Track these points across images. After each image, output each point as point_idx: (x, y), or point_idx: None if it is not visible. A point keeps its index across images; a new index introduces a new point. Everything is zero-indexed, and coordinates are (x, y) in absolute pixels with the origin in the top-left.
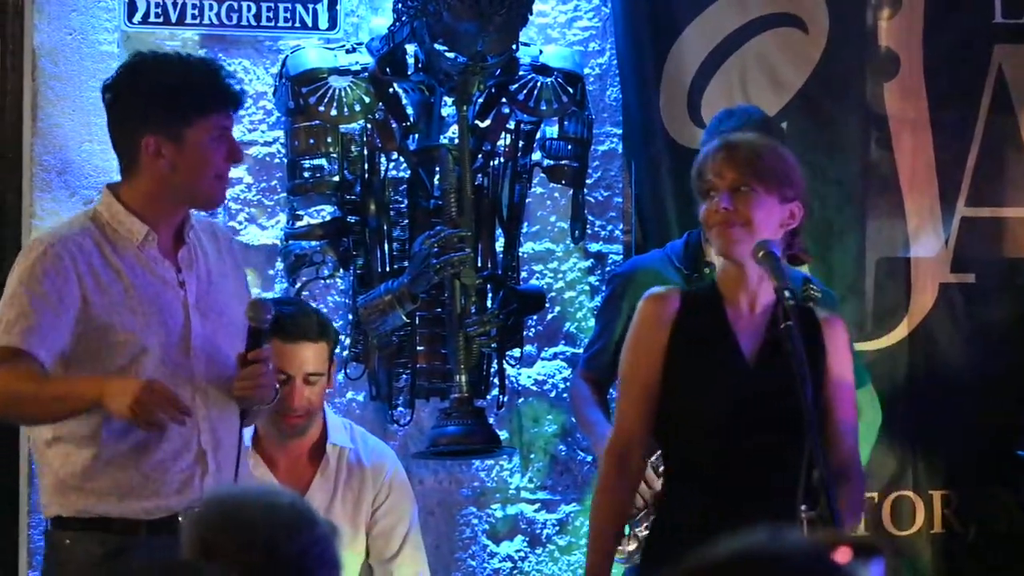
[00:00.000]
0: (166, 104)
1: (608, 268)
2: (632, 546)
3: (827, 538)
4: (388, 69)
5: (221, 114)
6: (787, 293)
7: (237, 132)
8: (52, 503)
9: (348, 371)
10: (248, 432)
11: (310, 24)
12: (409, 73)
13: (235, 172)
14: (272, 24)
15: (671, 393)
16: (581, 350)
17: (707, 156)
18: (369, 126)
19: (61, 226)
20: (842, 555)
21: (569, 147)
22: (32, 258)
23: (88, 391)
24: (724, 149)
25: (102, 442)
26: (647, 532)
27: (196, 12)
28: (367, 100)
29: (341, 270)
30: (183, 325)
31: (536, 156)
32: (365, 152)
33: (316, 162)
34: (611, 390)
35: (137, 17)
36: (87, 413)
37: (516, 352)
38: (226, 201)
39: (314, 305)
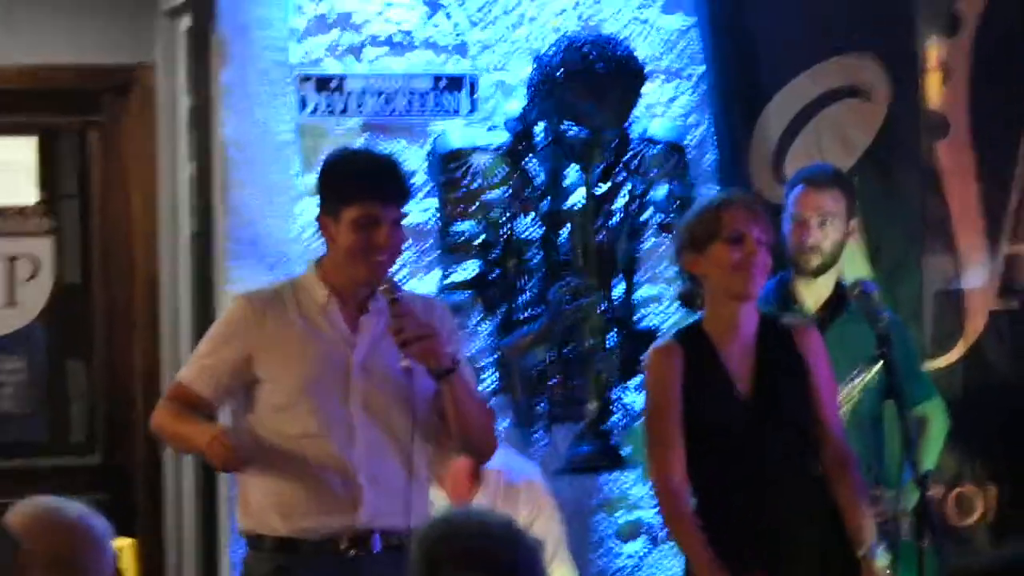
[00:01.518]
0: (326, 190)
1: None
2: None
3: None
4: (522, 145)
5: (366, 203)
6: (882, 326)
7: None
8: (239, 520)
9: (492, 401)
10: None
11: (453, 110)
12: (539, 147)
13: None
14: (422, 111)
15: (691, 430)
16: None
17: (727, 204)
18: (507, 194)
19: (264, 288)
20: None
21: (676, 204)
22: (227, 309)
23: (194, 436)
24: (745, 203)
25: (268, 468)
26: None
27: (358, 103)
28: (504, 172)
29: (486, 316)
30: (344, 372)
31: (648, 214)
32: (504, 217)
33: (463, 226)
34: None
35: (308, 110)
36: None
37: (634, 381)
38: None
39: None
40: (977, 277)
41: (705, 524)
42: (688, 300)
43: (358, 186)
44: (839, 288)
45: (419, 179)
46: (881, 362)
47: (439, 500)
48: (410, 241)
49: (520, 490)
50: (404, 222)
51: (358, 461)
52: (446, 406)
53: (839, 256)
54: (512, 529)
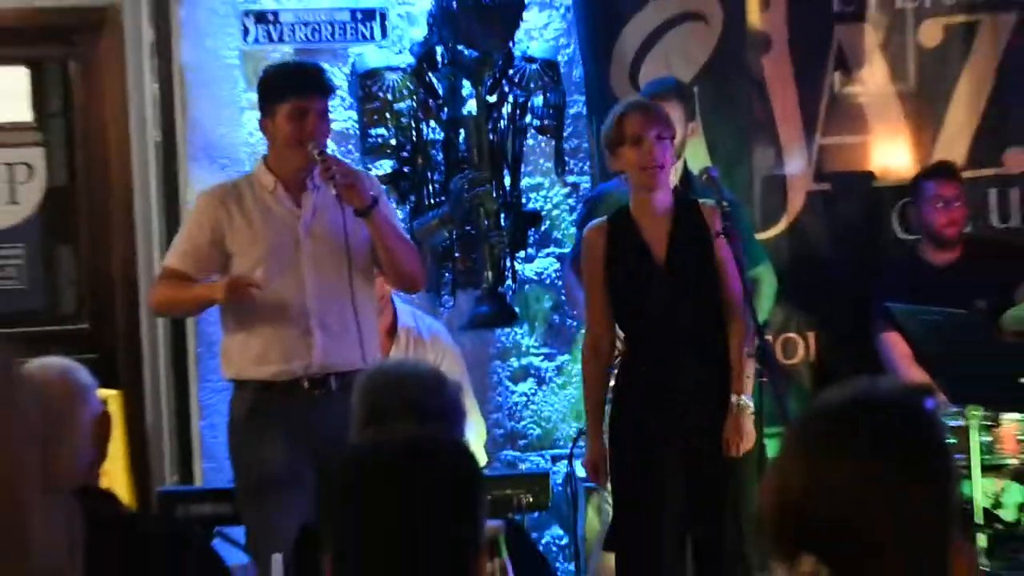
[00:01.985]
0: (264, 95)
1: (581, 193)
2: (613, 381)
3: (911, 385)
4: (425, 64)
5: (295, 97)
6: (725, 203)
7: None
8: (223, 370)
9: None
10: None
11: (368, 36)
12: (439, 66)
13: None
14: (343, 39)
15: (616, 295)
16: (566, 251)
17: (627, 112)
18: (414, 104)
19: (222, 182)
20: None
21: (551, 111)
22: (195, 204)
23: (204, 292)
24: (641, 109)
25: (241, 327)
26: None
27: (290, 32)
28: (411, 87)
29: (400, 205)
30: (293, 239)
31: (528, 119)
32: (412, 123)
33: (378, 131)
34: None
35: (250, 38)
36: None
37: (522, 254)
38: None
39: None
40: (796, 165)
41: (622, 382)
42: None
43: (287, 85)
44: (686, 174)
45: (342, 94)
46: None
47: None
48: (334, 145)
49: (427, 343)
50: (329, 115)
51: (310, 309)
52: (375, 241)
53: (682, 151)
54: (439, 377)
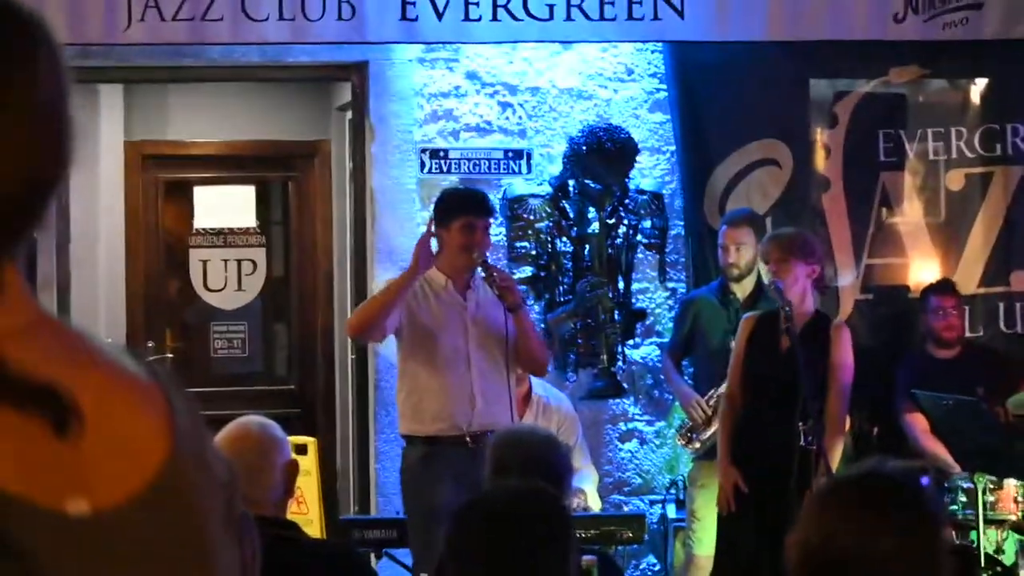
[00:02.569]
0: (441, 209)
1: (679, 296)
2: (697, 445)
3: (911, 464)
4: (560, 193)
5: (467, 215)
6: (787, 308)
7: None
8: (400, 425)
9: None
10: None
11: (517, 171)
12: (571, 195)
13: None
14: (496, 171)
15: (748, 370)
16: (665, 340)
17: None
18: (550, 224)
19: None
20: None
21: (656, 232)
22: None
23: (395, 281)
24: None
25: (416, 394)
26: (711, 438)
27: (456, 165)
28: (549, 210)
29: (536, 301)
30: (462, 325)
31: (639, 238)
32: (548, 238)
33: (522, 244)
34: (682, 363)
35: (425, 170)
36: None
37: (631, 342)
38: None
39: None
40: (847, 279)
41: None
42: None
43: (462, 205)
44: (759, 284)
45: (496, 214)
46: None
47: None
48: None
49: (553, 408)
50: (490, 231)
51: (473, 380)
52: (518, 333)
53: (753, 267)
54: (553, 439)
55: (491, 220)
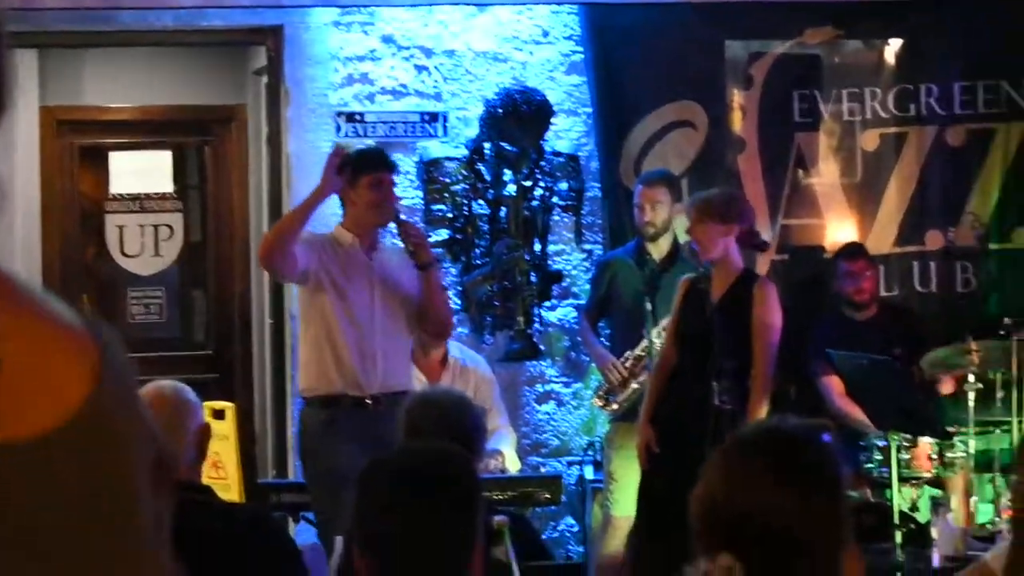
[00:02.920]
0: (350, 169)
1: (595, 258)
2: (614, 406)
3: (814, 422)
4: (476, 156)
5: (375, 171)
6: (703, 269)
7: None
8: (300, 384)
9: (458, 317)
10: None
11: (433, 134)
12: (487, 158)
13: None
14: (412, 135)
15: (679, 330)
16: (581, 302)
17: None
18: (466, 186)
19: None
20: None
21: (572, 194)
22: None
23: (307, 199)
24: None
25: (318, 352)
26: (627, 399)
27: (372, 129)
28: (465, 173)
29: (452, 264)
30: (368, 284)
31: (554, 200)
32: (465, 201)
33: (438, 207)
34: (599, 325)
35: (341, 134)
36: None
37: (547, 304)
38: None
39: None
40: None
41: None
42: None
43: (369, 162)
44: (675, 245)
45: (411, 177)
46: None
47: (420, 379)
48: (405, 216)
49: (470, 371)
50: (402, 201)
51: (376, 341)
52: (424, 292)
53: (669, 226)
54: (466, 401)
55: (395, 176)
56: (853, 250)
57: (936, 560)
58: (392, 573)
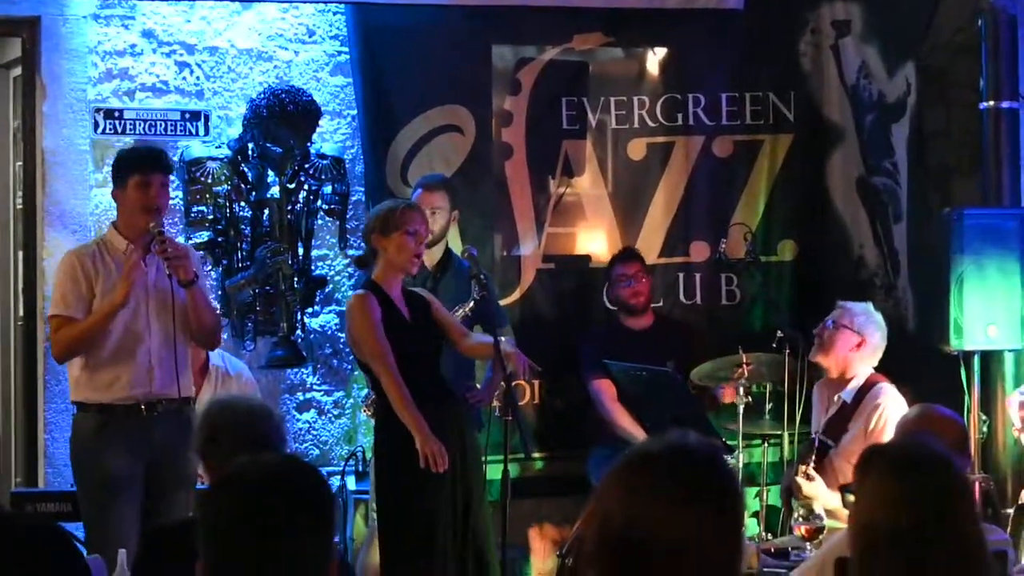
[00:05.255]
0: (116, 169)
1: None
2: None
3: (713, 440)
4: (239, 156)
5: (142, 171)
6: (482, 276)
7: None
8: (72, 392)
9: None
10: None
11: (194, 132)
12: (251, 158)
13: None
14: (173, 133)
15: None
16: (343, 308)
17: (413, 209)
18: (229, 188)
19: (83, 244)
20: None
21: (337, 198)
22: (63, 263)
23: (104, 308)
24: (419, 209)
25: (94, 359)
26: None
27: (132, 126)
28: (227, 174)
29: (214, 267)
30: (143, 292)
31: (319, 203)
32: (227, 203)
33: (199, 208)
34: None
35: (99, 130)
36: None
37: (310, 309)
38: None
39: None
40: (528, 247)
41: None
42: (362, 262)
43: (137, 162)
44: (447, 253)
45: (172, 177)
46: (474, 300)
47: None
48: (167, 218)
49: (232, 378)
50: (168, 189)
51: (152, 349)
52: (189, 308)
53: (445, 233)
54: (267, 409)
55: (168, 177)
56: (626, 254)
57: None
58: None
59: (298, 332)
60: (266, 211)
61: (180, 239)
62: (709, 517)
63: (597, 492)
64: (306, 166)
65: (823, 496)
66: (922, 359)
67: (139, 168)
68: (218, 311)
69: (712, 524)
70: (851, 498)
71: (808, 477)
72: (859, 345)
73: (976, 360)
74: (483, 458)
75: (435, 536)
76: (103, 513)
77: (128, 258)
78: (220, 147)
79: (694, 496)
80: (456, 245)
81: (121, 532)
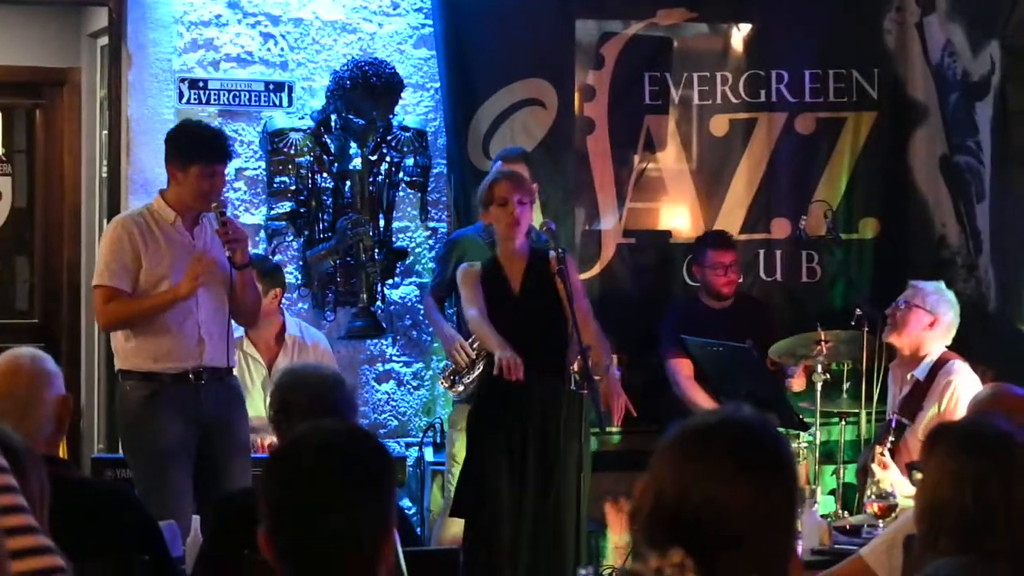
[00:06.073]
0: (178, 149)
1: (439, 236)
2: (460, 388)
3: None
4: (322, 128)
5: (207, 164)
6: (560, 250)
7: (239, 162)
8: (119, 362)
9: (300, 292)
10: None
11: (277, 103)
12: (333, 130)
13: (237, 183)
14: (258, 104)
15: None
16: (427, 281)
17: (498, 180)
18: (311, 159)
19: (130, 212)
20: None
21: (419, 170)
22: (110, 230)
23: (166, 297)
24: (510, 178)
25: (142, 329)
26: (474, 381)
27: (216, 96)
28: (310, 145)
29: (296, 238)
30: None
31: (400, 175)
32: (309, 174)
33: (282, 178)
34: (446, 305)
35: (184, 100)
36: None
37: (390, 281)
38: (232, 199)
39: (279, 257)
40: (609, 222)
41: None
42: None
43: (204, 150)
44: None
45: (254, 147)
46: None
47: (255, 356)
48: (245, 188)
49: (309, 348)
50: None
51: (201, 321)
52: (237, 287)
53: None
54: (338, 377)
55: (228, 164)
56: (721, 240)
57: (800, 552)
58: (306, 556)
59: (378, 303)
60: (348, 183)
61: (263, 209)
62: (761, 488)
63: (651, 465)
64: (388, 138)
65: (897, 483)
66: (1004, 339)
67: (206, 157)
68: (298, 281)
69: (765, 495)
70: (918, 476)
71: (883, 465)
72: (931, 324)
73: None
74: (581, 439)
75: (498, 511)
76: (159, 481)
77: (198, 261)
78: (303, 118)
79: (746, 467)
80: (536, 218)
81: (178, 500)
